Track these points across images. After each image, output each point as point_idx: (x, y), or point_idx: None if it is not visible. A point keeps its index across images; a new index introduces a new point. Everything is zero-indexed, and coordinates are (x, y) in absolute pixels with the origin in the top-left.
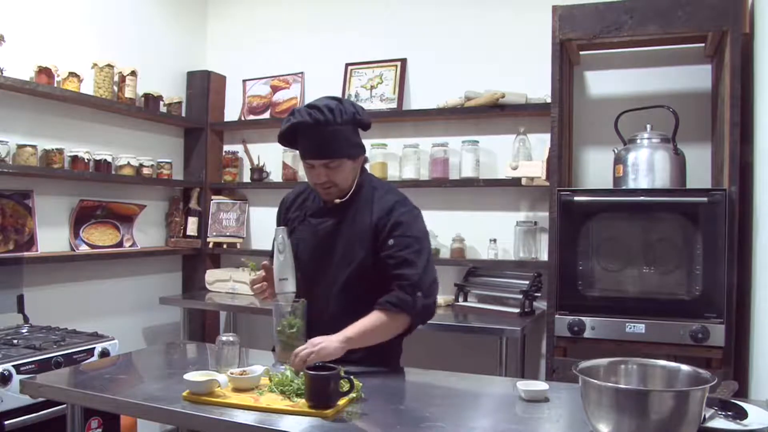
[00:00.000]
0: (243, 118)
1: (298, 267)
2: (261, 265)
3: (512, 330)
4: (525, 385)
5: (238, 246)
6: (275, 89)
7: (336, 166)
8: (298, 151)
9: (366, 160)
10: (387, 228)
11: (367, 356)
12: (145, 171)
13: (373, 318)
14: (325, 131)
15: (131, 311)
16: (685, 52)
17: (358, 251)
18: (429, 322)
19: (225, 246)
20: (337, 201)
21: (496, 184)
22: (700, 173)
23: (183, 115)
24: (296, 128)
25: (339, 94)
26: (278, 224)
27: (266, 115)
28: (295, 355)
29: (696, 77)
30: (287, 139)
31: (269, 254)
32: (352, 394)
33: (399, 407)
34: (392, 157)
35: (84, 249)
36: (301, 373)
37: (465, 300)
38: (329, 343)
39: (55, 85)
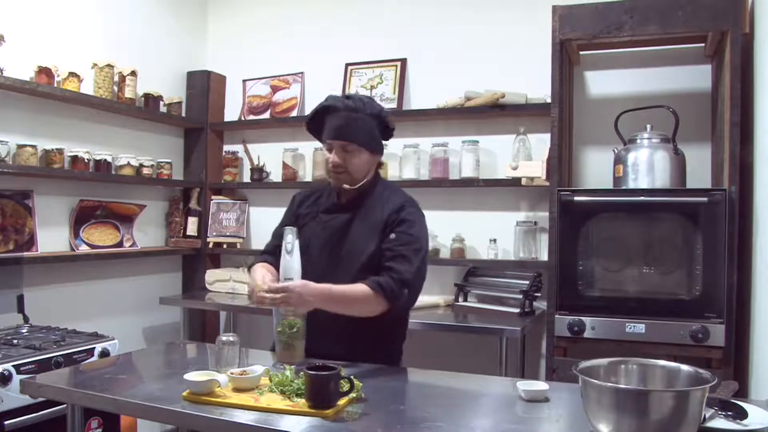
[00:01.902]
0: (243, 118)
1: (308, 262)
2: (255, 266)
3: (512, 330)
4: (525, 385)
5: (238, 246)
6: (275, 89)
7: (353, 150)
8: (319, 140)
9: (381, 164)
10: (393, 223)
11: (368, 357)
12: (145, 171)
13: (358, 289)
14: (351, 117)
15: (131, 311)
16: (685, 52)
17: (368, 244)
18: (429, 322)
19: (225, 246)
20: (346, 187)
21: (496, 184)
22: (700, 173)
23: (183, 115)
24: (326, 111)
25: (339, 94)
26: (286, 220)
27: (266, 115)
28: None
29: (696, 77)
30: (314, 123)
31: (262, 252)
32: (352, 394)
33: (399, 407)
34: (392, 157)
35: (84, 249)
36: (301, 373)
37: (465, 300)
38: (306, 292)
39: (55, 85)
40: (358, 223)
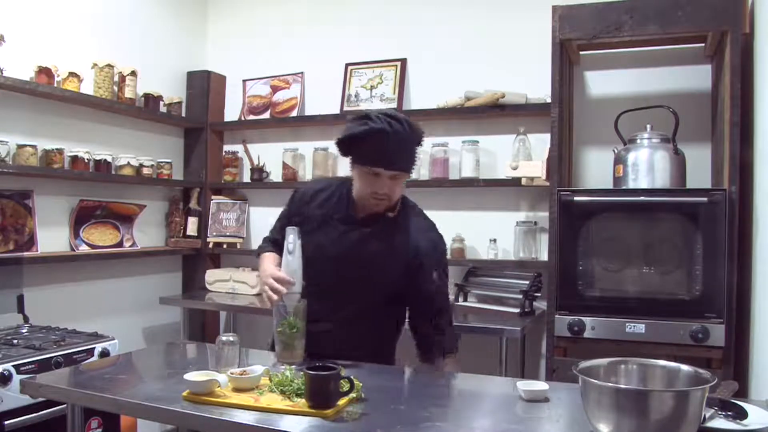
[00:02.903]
0: (243, 118)
1: (315, 271)
2: (263, 256)
3: (512, 330)
4: (525, 385)
5: (238, 246)
6: (275, 89)
7: (399, 178)
8: (346, 156)
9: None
10: (433, 261)
11: (365, 356)
12: (145, 171)
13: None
14: (402, 143)
15: (131, 311)
16: (685, 52)
17: (390, 272)
18: None
19: (225, 246)
20: (390, 214)
21: (496, 184)
22: (700, 173)
23: (183, 115)
24: (372, 135)
25: (339, 94)
26: (287, 216)
27: (266, 115)
28: None
29: (696, 77)
30: (349, 143)
31: (269, 239)
32: (352, 394)
33: (399, 407)
34: None
35: (84, 249)
36: (301, 373)
37: (465, 300)
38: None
39: (55, 85)
40: (379, 244)
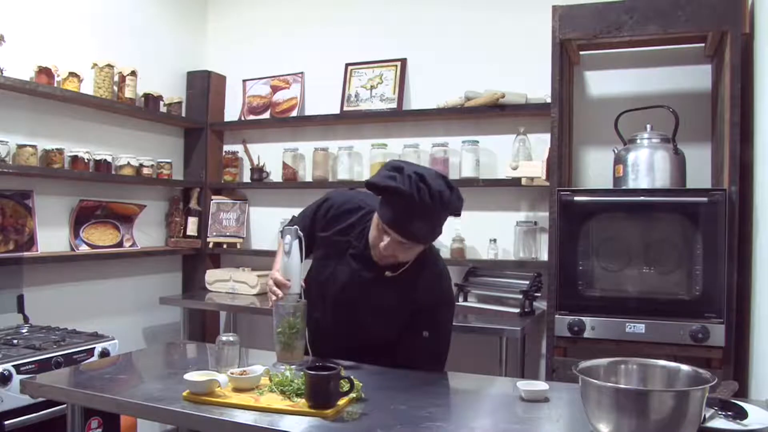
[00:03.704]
0: (243, 118)
1: (322, 302)
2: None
3: (512, 330)
4: (525, 385)
5: (238, 246)
6: (275, 89)
7: (411, 246)
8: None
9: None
10: (427, 312)
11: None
12: (145, 171)
13: None
14: (423, 216)
15: (131, 311)
16: (685, 52)
17: (393, 324)
18: None
19: (225, 246)
20: (388, 274)
21: (496, 184)
22: (700, 173)
23: (183, 115)
24: (396, 192)
25: (339, 94)
26: (311, 219)
27: (266, 115)
28: None
29: (696, 77)
30: (379, 192)
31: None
32: (352, 394)
33: (399, 407)
34: (392, 157)
35: (84, 249)
36: (301, 373)
37: (465, 300)
38: None
39: (55, 85)
40: (385, 293)
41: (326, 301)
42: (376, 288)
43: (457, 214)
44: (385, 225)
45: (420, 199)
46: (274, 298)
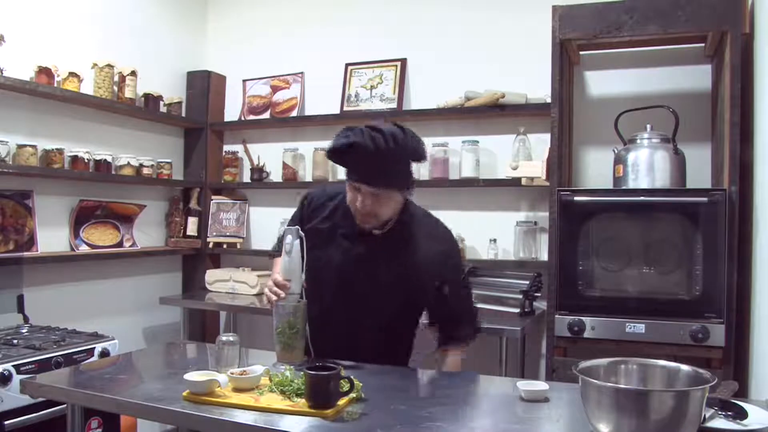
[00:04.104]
0: (243, 118)
1: (319, 290)
2: (276, 260)
3: (512, 330)
4: (525, 385)
5: (238, 246)
6: (275, 89)
7: (384, 195)
8: (343, 167)
9: (412, 194)
10: (439, 274)
11: (377, 358)
12: (145, 171)
13: (456, 360)
14: (383, 159)
15: (131, 311)
16: (685, 52)
17: (399, 291)
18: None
19: (225, 246)
20: (376, 232)
21: (496, 184)
22: (700, 173)
23: (183, 115)
24: (353, 147)
25: (339, 94)
26: (299, 219)
27: (266, 115)
28: None
29: (696, 77)
30: (333, 155)
31: (270, 254)
32: (352, 394)
33: (399, 407)
34: None
35: (84, 249)
36: (301, 373)
37: None
38: None
39: (55, 85)
40: (386, 260)
41: (325, 290)
42: (370, 261)
43: (421, 157)
44: (354, 182)
45: (376, 146)
46: (274, 298)
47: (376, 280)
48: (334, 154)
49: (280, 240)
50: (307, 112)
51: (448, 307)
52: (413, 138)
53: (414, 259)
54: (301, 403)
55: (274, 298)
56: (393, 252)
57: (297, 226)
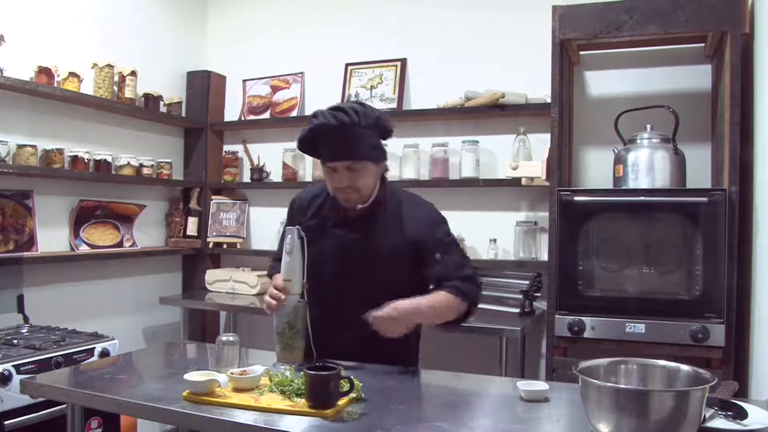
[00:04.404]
0: (243, 118)
1: (319, 282)
2: (274, 276)
3: (512, 330)
4: (525, 385)
5: (238, 246)
6: (275, 89)
7: (359, 168)
8: (316, 158)
9: (387, 168)
10: (428, 243)
11: (386, 358)
12: (145, 171)
13: (446, 298)
14: (349, 133)
15: (131, 311)
16: (685, 52)
17: (392, 271)
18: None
19: (225, 246)
20: (359, 207)
21: (496, 184)
22: (700, 173)
23: (183, 115)
24: (319, 131)
25: (339, 94)
26: (289, 225)
27: (266, 115)
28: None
29: (696, 77)
30: (308, 144)
31: (273, 256)
32: (352, 394)
33: (399, 407)
34: (392, 157)
35: (84, 249)
36: (301, 373)
37: None
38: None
39: (55, 85)
40: (375, 243)
41: (325, 284)
42: (364, 242)
43: (384, 127)
44: (328, 162)
45: (340, 122)
46: (274, 303)
47: (374, 259)
48: (304, 145)
49: (275, 258)
50: (307, 112)
51: (443, 264)
52: (374, 111)
53: (402, 228)
54: (301, 403)
55: (274, 303)
56: (382, 228)
57: (297, 226)
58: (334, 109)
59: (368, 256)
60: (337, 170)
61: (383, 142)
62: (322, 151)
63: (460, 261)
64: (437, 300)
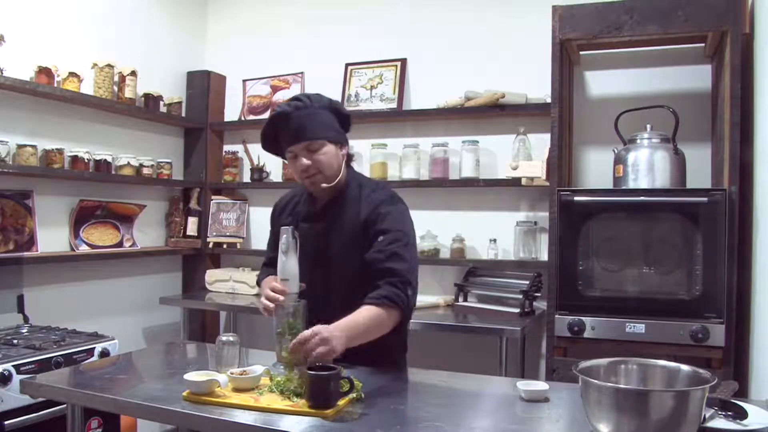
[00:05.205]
0: (243, 118)
1: (301, 273)
2: (263, 282)
3: (512, 330)
4: (525, 385)
5: (238, 246)
6: (275, 89)
7: (318, 148)
8: (281, 157)
9: (352, 157)
10: (375, 224)
11: (371, 357)
12: (145, 171)
13: (371, 313)
14: (303, 115)
15: (131, 311)
16: (685, 52)
17: (352, 255)
18: (429, 322)
19: (225, 246)
20: (324, 186)
21: (496, 184)
22: (700, 173)
23: (183, 115)
24: (278, 120)
25: (339, 94)
26: (273, 234)
27: (266, 115)
28: (300, 343)
29: (696, 77)
30: (272, 140)
31: (264, 264)
32: (352, 394)
33: (399, 407)
34: (392, 157)
35: (84, 249)
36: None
37: (465, 300)
38: (337, 342)
39: (55, 85)
40: (337, 232)
41: (315, 280)
42: (329, 233)
43: (338, 109)
44: (290, 147)
45: (294, 107)
46: (271, 305)
47: (338, 249)
48: (267, 141)
49: (265, 265)
50: None
51: (379, 260)
52: (323, 97)
53: (359, 212)
54: (301, 403)
55: (272, 305)
56: (345, 216)
57: (291, 226)
58: (291, 99)
59: (332, 246)
60: (297, 155)
61: (349, 136)
62: (283, 142)
63: (397, 251)
64: (366, 320)
